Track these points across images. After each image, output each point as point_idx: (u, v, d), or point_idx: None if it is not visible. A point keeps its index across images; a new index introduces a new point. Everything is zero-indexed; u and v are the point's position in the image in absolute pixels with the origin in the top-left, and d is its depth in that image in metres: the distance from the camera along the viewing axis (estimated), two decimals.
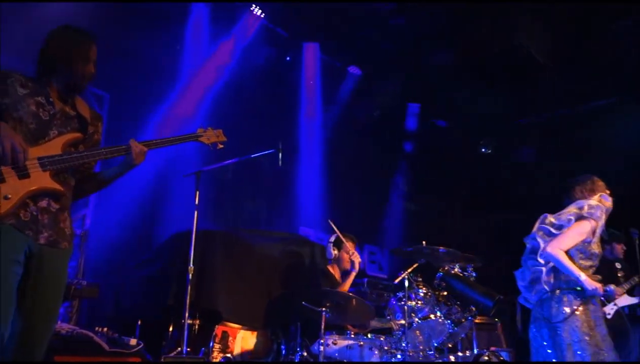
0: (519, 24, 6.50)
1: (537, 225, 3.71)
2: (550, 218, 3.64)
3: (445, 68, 7.36)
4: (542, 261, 3.53)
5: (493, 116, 8.46)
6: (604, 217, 3.56)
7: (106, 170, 2.74)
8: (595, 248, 3.56)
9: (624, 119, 7.46)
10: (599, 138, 7.61)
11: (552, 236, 3.56)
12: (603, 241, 3.97)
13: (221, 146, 3.02)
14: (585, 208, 3.53)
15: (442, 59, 7.20)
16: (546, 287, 3.51)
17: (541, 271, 3.52)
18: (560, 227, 3.56)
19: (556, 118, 8.38)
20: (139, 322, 4.47)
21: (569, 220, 3.53)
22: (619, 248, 5.81)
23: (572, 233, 3.47)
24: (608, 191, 3.70)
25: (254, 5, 6.45)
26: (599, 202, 3.59)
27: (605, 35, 6.61)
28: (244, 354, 4.87)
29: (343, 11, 6.51)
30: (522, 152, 8.85)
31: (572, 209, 3.58)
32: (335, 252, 5.12)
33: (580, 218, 3.51)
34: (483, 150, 9.02)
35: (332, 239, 5.18)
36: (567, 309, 3.40)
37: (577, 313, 3.39)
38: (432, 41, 7.03)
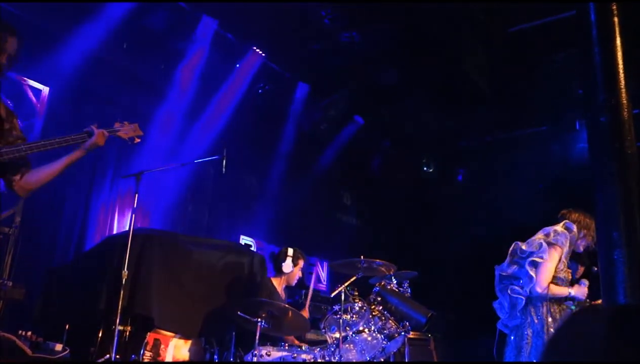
0: (464, 51, 6.76)
1: (509, 254, 3.91)
2: (522, 246, 3.83)
3: (392, 88, 7.54)
4: (521, 290, 3.73)
5: (436, 137, 8.75)
6: (567, 244, 3.77)
7: (54, 162, 2.75)
8: (563, 274, 3.78)
9: (552, 146, 8.03)
10: (530, 162, 8.12)
11: (522, 263, 3.76)
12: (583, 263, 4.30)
13: (138, 140, 3.06)
14: (552, 234, 3.76)
15: (389, 78, 7.38)
16: (519, 314, 3.75)
17: (521, 300, 3.72)
18: (530, 254, 3.75)
19: (493, 143, 8.80)
20: (67, 327, 4.30)
21: (540, 246, 3.73)
22: None
23: (548, 265, 3.68)
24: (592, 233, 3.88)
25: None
26: (563, 229, 3.81)
27: (540, 67, 7.02)
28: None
29: (292, 22, 6.53)
30: (460, 173, 9.18)
31: (539, 236, 3.81)
32: (291, 267, 5.15)
33: (548, 245, 3.73)
34: (425, 169, 9.26)
35: (291, 253, 5.19)
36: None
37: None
38: (380, 60, 7.19)
